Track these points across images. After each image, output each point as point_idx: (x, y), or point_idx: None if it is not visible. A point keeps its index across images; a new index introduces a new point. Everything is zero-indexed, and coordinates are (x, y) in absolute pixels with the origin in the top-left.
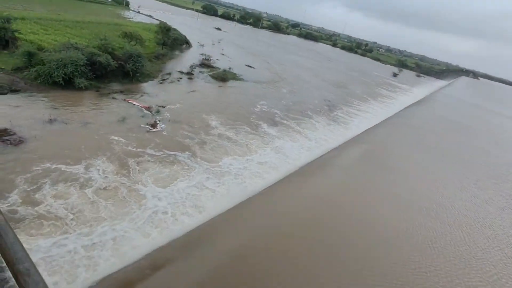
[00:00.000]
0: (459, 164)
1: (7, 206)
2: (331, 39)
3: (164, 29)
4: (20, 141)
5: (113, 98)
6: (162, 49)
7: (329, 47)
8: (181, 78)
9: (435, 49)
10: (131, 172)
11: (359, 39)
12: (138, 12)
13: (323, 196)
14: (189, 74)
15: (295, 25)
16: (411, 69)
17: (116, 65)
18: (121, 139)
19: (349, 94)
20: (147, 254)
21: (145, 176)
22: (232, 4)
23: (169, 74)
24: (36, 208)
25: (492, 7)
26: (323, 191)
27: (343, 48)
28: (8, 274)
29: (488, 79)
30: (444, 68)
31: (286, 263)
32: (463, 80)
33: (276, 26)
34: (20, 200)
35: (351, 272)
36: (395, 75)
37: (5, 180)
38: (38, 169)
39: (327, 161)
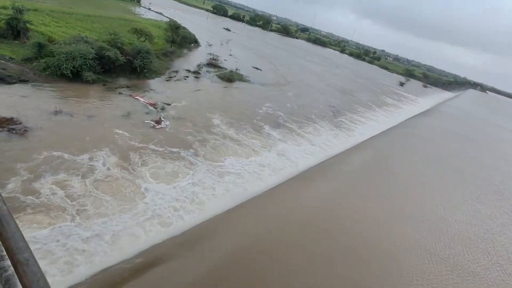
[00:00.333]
0: (462, 178)
1: (7, 193)
2: (339, 45)
3: (174, 27)
4: (25, 131)
5: (120, 93)
6: (171, 46)
7: (337, 53)
8: (187, 76)
9: (443, 60)
10: (133, 167)
11: (368, 46)
12: (149, 9)
13: (324, 203)
14: (196, 73)
15: (304, 30)
16: (419, 79)
17: (124, 60)
18: (125, 133)
19: (354, 101)
20: (144, 250)
21: (146, 171)
22: (243, 5)
23: (176, 72)
24: (34, 197)
25: (506, 21)
26: (324, 197)
27: (351, 54)
28: (7, 263)
29: (496, 93)
30: (452, 80)
31: (283, 269)
32: (471, 92)
33: (285, 29)
34: (20, 189)
35: (348, 283)
36: (402, 84)
37: (8, 168)
38: (41, 158)
39: (329, 167)
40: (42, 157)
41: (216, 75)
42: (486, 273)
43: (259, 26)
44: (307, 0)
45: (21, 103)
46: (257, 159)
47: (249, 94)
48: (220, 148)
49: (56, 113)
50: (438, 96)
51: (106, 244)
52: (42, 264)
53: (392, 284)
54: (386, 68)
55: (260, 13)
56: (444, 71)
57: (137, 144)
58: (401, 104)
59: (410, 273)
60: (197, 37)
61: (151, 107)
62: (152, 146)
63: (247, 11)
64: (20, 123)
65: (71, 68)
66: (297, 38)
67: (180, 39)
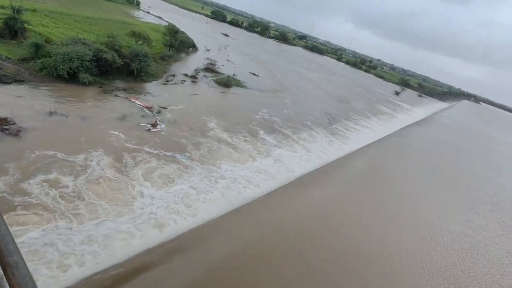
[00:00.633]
0: (456, 188)
1: None
2: (336, 53)
3: (172, 31)
4: (18, 131)
5: (116, 95)
6: (169, 50)
7: (334, 61)
8: (185, 80)
9: (438, 71)
10: (127, 169)
11: (364, 55)
12: (148, 12)
13: (319, 210)
14: (193, 78)
15: (302, 37)
16: (414, 88)
17: (122, 63)
18: (121, 135)
19: (350, 109)
20: (137, 254)
21: (140, 174)
22: (241, 11)
23: (174, 76)
24: (25, 197)
25: (501, 36)
26: (319, 205)
27: (347, 63)
28: None
29: (489, 104)
30: (446, 90)
31: (277, 275)
32: (465, 103)
33: (283, 36)
34: (10, 188)
35: None
36: (397, 93)
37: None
38: (33, 157)
39: (325, 174)
40: (34, 156)
41: (213, 80)
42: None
43: (257, 32)
44: (305, 8)
45: (16, 103)
46: (253, 165)
47: (246, 100)
48: (216, 153)
49: (51, 113)
50: (432, 106)
51: (98, 247)
52: (32, 266)
53: None
54: (382, 77)
55: (258, 20)
56: (439, 81)
57: (132, 146)
58: (396, 113)
59: (403, 283)
60: (195, 41)
61: (147, 110)
62: (147, 149)
63: (245, 17)
64: (14, 123)
65: (68, 69)
66: (294, 45)
67: (178, 43)
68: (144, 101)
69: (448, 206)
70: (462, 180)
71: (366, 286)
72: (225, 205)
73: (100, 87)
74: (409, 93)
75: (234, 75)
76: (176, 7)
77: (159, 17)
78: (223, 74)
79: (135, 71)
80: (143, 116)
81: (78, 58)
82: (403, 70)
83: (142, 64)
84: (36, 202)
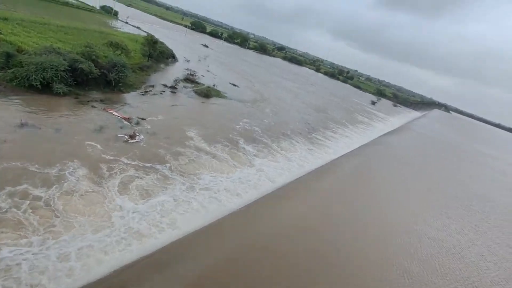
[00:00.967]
0: (432, 194)
1: None
2: (314, 64)
3: (151, 41)
4: None
5: (92, 106)
6: (148, 61)
7: (312, 71)
8: (164, 91)
9: (411, 81)
10: (104, 181)
11: (341, 66)
12: (126, 22)
13: (300, 219)
14: (173, 88)
15: (281, 48)
16: (389, 98)
17: (99, 73)
18: (97, 147)
19: (329, 118)
20: (114, 271)
21: (118, 186)
22: (221, 22)
23: (153, 86)
24: None
25: (468, 48)
26: (299, 213)
27: (325, 73)
28: None
29: (459, 113)
30: (419, 100)
31: None
32: (436, 112)
33: (262, 47)
34: None
35: None
36: (373, 103)
37: None
38: (0, 170)
39: (305, 183)
40: (1, 168)
41: (193, 90)
42: None
43: (236, 43)
44: (284, 20)
45: None
46: (234, 175)
47: (226, 110)
48: (196, 163)
49: (22, 125)
50: (407, 115)
51: (73, 264)
52: (2, 283)
53: None
54: (358, 87)
55: (238, 31)
56: (412, 91)
57: (110, 158)
58: (373, 122)
59: None
60: (174, 52)
61: (125, 121)
62: (125, 160)
63: (225, 28)
64: None
65: (41, 79)
66: (273, 56)
67: (157, 54)
68: (122, 112)
69: (425, 213)
70: (438, 187)
71: None
72: (206, 216)
73: (76, 98)
74: (384, 102)
75: (214, 85)
76: (155, 17)
77: (137, 27)
78: (203, 84)
79: (113, 82)
80: (121, 127)
81: (52, 68)
82: (378, 80)
83: (120, 74)
84: (4, 216)
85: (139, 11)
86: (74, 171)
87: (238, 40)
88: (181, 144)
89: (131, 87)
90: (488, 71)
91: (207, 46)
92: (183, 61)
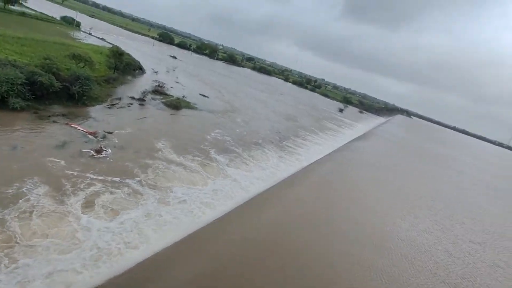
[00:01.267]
0: (399, 197)
1: None
2: (283, 74)
3: (117, 53)
4: None
5: (54, 121)
6: (114, 73)
7: (281, 81)
8: (132, 103)
9: (375, 89)
10: (68, 199)
11: (309, 75)
12: (90, 33)
13: (275, 227)
14: (141, 100)
15: (250, 59)
16: (355, 105)
17: (60, 87)
18: (61, 163)
19: (299, 126)
20: None
21: (84, 203)
22: (189, 34)
23: (119, 99)
24: None
25: (424, 57)
26: (273, 222)
27: (294, 83)
28: None
29: (419, 117)
30: (383, 106)
31: None
32: (399, 118)
33: (232, 58)
34: None
35: None
36: (341, 110)
37: None
38: None
39: (278, 191)
40: None
41: (162, 102)
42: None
43: (205, 54)
44: (252, 31)
45: None
46: (207, 186)
47: (197, 121)
48: (168, 176)
49: None
50: (373, 121)
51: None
52: None
53: None
54: (326, 95)
55: (206, 42)
56: (376, 98)
57: (74, 173)
58: (341, 129)
59: None
60: (142, 64)
61: (90, 136)
62: (92, 176)
63: (193, 39)
64: None
65: None
66: (243, 66)
67: (123, 66)
68: (87, 126)
69: (395, 214)
70: (404, 190)
71: None
72: (180, 231)
73: (35, 112)
74: (351, 109)
75: (183, 97)
76: (121, 29)
77: (102, 38)
78: (172, 96)
79: (76, 95)
80: (86, 142)
81: (7, 81)
82: (345, 88)
83: (84, 87)
84: None
85: (103, 22)
86: (34, 189)
87: (207, 51)
88: (151, 157)
89: (96, 100)
90: (444, 78)
91: (175, 58)
92: (151, 72)
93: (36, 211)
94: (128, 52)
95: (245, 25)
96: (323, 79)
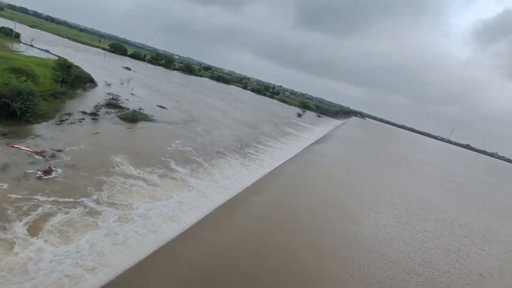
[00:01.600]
0: (359, 193)
1: None
2: (241, 82)
3: (64, 66)
4: None
5: None
6: (61, 87)
7: (240, 89)
8: (83, 119)
9: (330, 93)
10: (13, 225)
11: (267, 82)
12: (31, 45)
13: (242, 234)
14: (94, 115)
15: (207, 68)
16: (313, 110)
17: None
18: (3, 187)
19: (259, 133)
20: None
21: (32, 228)
22: (143, 44)
23: (69, 114)
24: None
25: (372, 62)
26: (241, 230)
27: (253, 90)
28: None
29: (372, 118)
30: (339, 109)
31: None
32: (354, 119)
33: (189, 68)
34: None
35: None
36: (299, 115)
37: None
38: None
39: (244, 198)
40: None
41: (118, 116)
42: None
43: (161, 65)
44: (209, 40)
45: None
46: (171, 199)
47: (156, 133)
48: (128, 192)
49: None
50: (330, 124)
51: None
52: None
53: None
54: (285, 101)
55: (162, 52)
56: (332, 102)
57: (18, 197)
58: (301, 133)
59: None
60: (93, 76)
61: (37, 156)
62: (41, 198)
63: (148, 50)
64: None
65: None
66: (200, 76)
67: (72, 79)
68: (34, 145)
69: (357, 211)
70: (363, 187)
71: None
72: (144, 249)
73: None
74: (309, 114)
75: (140, 109)
76: (68, 40)
77: (46, 50)
78: (128, 109)
79: (18, 112)
80: (32, 163)
81: None
82: (302, 94)
83: (27, 103)
84: None
85: (47, 33)
86: None
87: (163, 61)
88: (108, 173)
89: (43, 117)
90: (392, 81)
91: (129, 69)
92: (104, 85)
93: None
94: (77, 64)
95: (202, 35)
96: (280, 86)
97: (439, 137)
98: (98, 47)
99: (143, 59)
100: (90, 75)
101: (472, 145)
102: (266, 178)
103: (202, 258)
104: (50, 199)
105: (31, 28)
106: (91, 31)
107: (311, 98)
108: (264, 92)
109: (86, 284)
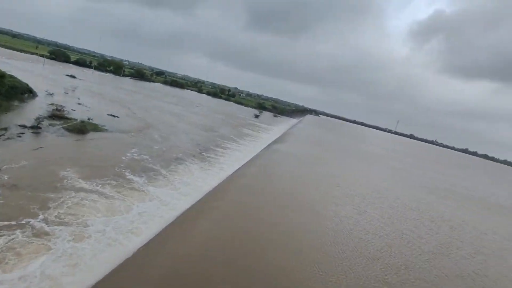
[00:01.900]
0: (317, 189)
1: None
2: (196, 85)
3: None
4: None
5: None
6: None
7: (195, 93)
8: (23, 133)
9: (285, 93)
10: None
11: (223, 85)
12: None
13: (208, 241)
14: (35, 128)
15: (160, 73)
16: (269, 110)
17: None
18: None
19: (218, 136)
20: None
21: None
22: (88, 50)
23: (5, 129)
24: None
25: (323, 63)
26: (207, 236)
27: (208, 93)
28: None
29: (326, 115)
30: (294, 108)
31: None
32: (309, 117)
33: (140, 73)
34: None
35: None
36: (256, 116)
37: None
38: None
39: (207, 203)
40: None
41: (64, 127)
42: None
43: (110, 71)
44: (160, 45)
45: None
46: (130, 211)
47: (109, 143)
48: (80, 208)
49: None
50: (287, 123)
51: None
52: None
53: None
54: (241, 103)
55: (109, 58)
56: (287, 102)
57: None
58: (259, 133)
59: None
60: (32, 86)
61: None
62: None
63: (94, 56)
64: None
65: None
66: (153, 81)
67: (6, 89)
68: None
69: (319, 206)
70: (322, 183)
71: None
72: (103, 266)
73: None
74: (266, 114)
75: (89, 119)
76: None
77: None
78: (76, 119)
79: None
80: None
81: None
82: (257, 95)
83: None
84: None
85: None
86: None
87: (111, 67)
88: (55, 190)
89: None
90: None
91: (74, 77)
92: (45, 95)
93: None
94: (11, 73)
95: (152, 39)
96: (236, 88)
97: (386, 129)
98: (36, 54)
99: (89, 66)
100: (27, 84)
101: (415, 135)
102: (228, 180)
103: (167, 269)
104: None
105: None
106: (25, 37)
107: (267, 98)
108: (220, 95)
109: None
